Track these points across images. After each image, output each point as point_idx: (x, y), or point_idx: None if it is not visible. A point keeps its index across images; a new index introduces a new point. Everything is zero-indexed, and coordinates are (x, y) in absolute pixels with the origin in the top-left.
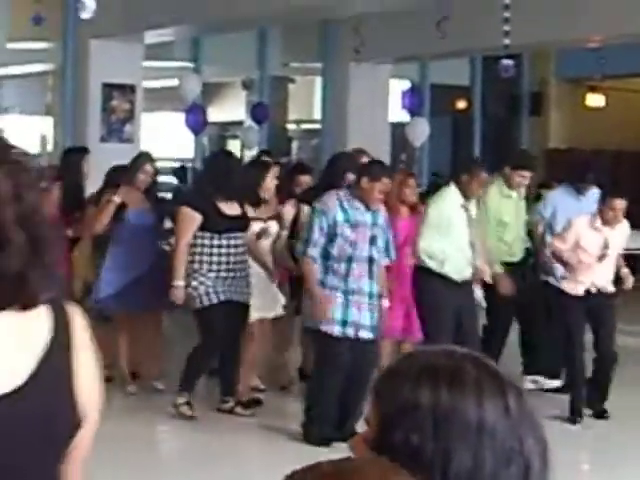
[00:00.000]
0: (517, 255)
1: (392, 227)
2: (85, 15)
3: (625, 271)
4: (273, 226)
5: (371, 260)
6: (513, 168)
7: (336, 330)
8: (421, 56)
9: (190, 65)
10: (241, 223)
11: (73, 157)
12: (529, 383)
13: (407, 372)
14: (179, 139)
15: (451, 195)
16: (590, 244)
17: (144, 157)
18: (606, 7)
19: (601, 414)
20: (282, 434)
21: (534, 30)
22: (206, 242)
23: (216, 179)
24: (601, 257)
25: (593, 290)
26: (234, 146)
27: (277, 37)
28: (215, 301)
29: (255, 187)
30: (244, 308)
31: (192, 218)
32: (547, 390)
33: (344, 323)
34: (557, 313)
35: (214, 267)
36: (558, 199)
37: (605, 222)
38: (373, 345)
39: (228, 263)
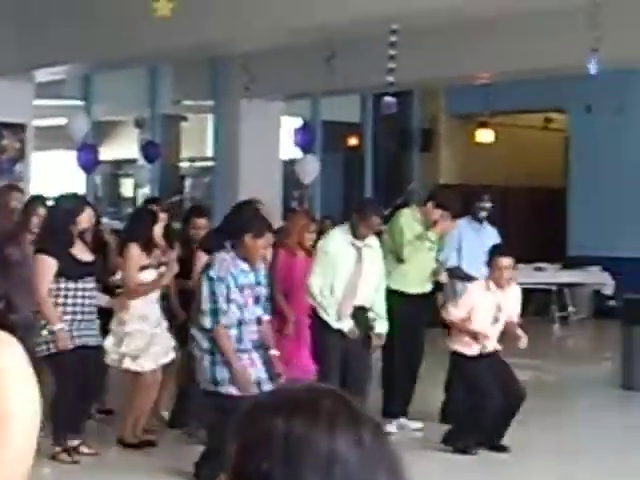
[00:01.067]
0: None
1: (290, 268)
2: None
3: (520, 332)
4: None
5: (259, 320)
6: (438, 206)
7: (231, 390)
8: (310, 93)
9: (81, 104)
10: (93, 268)
11: None
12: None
13: (266, 405)
14: (71, 178)
15: (338, 234)
16: (483, 309)
17: (36, 201)
18: (492, 45)
19: (503, 448)
20: (174, 474)
21: (420, 67)
22: (62, 286)
23: (67, 226)
24: (495, 321)
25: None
26: (127, 184)
27: (168, 75)
28: (70, 346)
29: (146, 233)
30: (98, 351)
31: (49, 265)
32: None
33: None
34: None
35: (69, 310)
36: (461, 232)
37: (497, 284)
38: None
39: (83, 305)
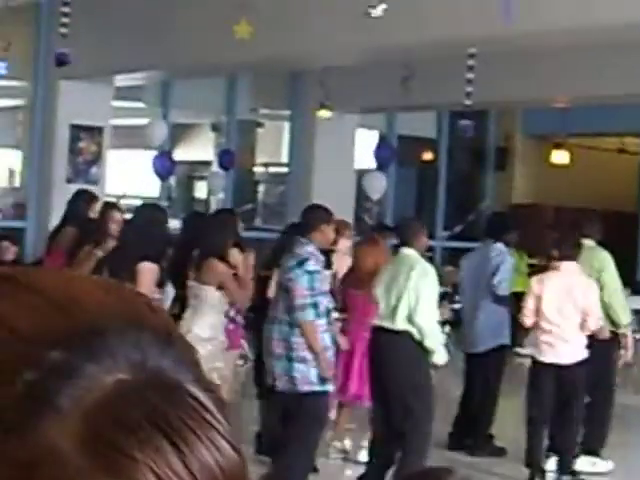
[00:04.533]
0: None
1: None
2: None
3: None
4: None
5: (329, 311)
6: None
7: (330, 387)
8: (386, 108)
9: (158, 107)
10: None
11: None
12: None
13: None
14: (146, 179)
15: (424, 261)
16: (548, 296)
17: (111, 207)
18: (571, 69)
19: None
20: None
21: (498, 89)
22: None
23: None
24: (559, 311)
25: None
26: (201, 187)
27: (246, 83)
28: None
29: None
30: None
31: (154, 272)
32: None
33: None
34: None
35: None
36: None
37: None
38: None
39: None
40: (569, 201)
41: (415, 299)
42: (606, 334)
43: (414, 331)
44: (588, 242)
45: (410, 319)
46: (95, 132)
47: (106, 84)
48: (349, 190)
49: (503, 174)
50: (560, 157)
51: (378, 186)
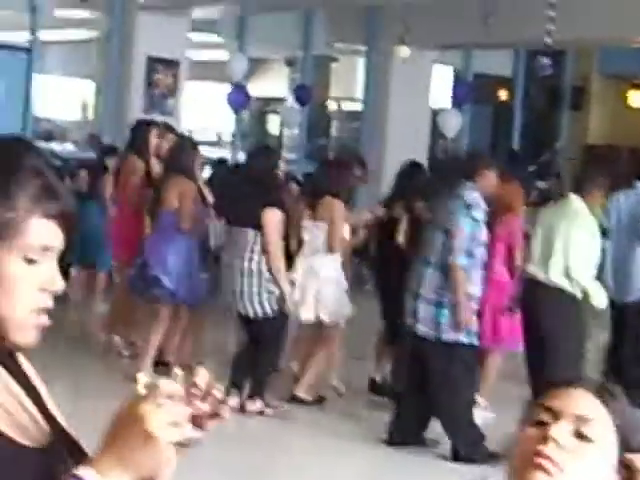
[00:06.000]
0: None
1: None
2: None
3: None
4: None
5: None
6: None
7: (475, 341)
8: (465, 45)
9: (234, 41)
10: None
11: (139, 131)
12: None
13: None
14: (220, 112)
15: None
16: None
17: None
18: None
19: None
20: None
21: (578, 28)
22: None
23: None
24: None
25: None
26: (274, 122)
27: (322, 17)
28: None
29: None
30: None
31: (281, 219)
32: None
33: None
34: None
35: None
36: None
37: None
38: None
39: None
40: None
41: (572, 254)
42: None
43: (568, 286)
44: None
45: (566, 273)
46: (171, 64)
47: (183, 16)
48: (424, 128)
49: (579, 114)
50: (637, 98)
51: (453, 124)
